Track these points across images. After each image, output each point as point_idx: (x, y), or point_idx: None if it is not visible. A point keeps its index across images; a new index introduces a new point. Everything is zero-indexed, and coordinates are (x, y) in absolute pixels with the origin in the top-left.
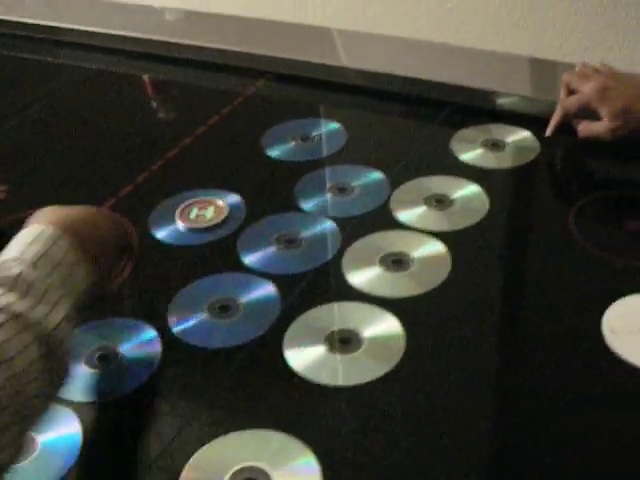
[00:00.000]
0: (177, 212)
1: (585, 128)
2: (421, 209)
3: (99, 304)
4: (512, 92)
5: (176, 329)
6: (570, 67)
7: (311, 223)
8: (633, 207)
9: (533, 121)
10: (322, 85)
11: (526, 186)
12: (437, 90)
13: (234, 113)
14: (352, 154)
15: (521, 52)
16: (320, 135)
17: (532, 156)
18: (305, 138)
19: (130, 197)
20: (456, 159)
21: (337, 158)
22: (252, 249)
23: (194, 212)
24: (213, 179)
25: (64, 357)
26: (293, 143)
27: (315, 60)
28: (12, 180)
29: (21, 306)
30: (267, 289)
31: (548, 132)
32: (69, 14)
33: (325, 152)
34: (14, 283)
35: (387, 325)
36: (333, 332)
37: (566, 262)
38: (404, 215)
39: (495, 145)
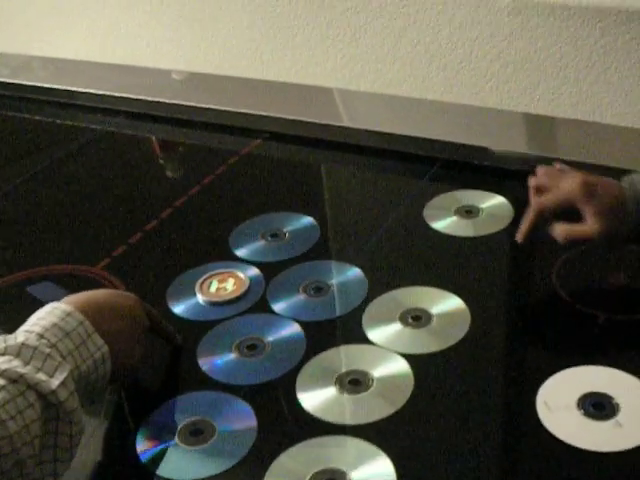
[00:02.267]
0: (197, 285)
1: (569, 231)
2: None
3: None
4: (505, 147)
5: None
6: (563, 122)
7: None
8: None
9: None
10: (319, 143)
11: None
12: (428, 147)
13: (235, 170)
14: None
15: (514, 107)
16: None
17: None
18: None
19: (124, 257)
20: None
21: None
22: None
23: (214, 285)
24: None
25: (69, 422)
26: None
27: (311, 119)
28: (12, 241)
29: (23, 370)
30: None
31: (519, 238)
32: (76, 77)
33: None
34: (19, 350)
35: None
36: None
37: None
38: None
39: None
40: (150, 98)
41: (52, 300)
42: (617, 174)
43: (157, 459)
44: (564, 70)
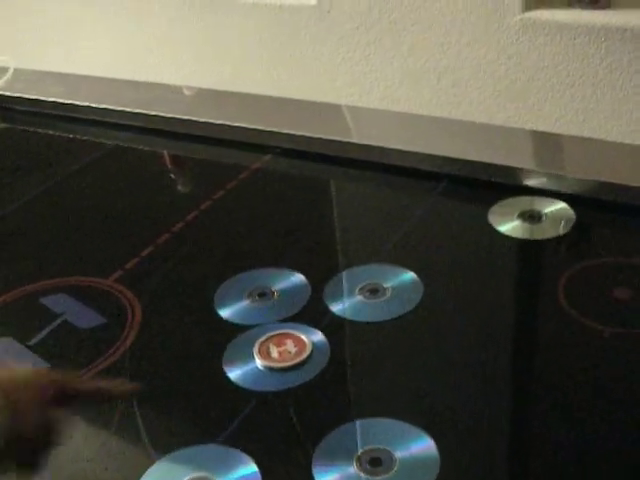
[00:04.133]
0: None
1: None
2: None
3: None
4: (512, 164)
5: None
6: (569, 139)
7: None
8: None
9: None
10: (328, 159)
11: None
12: (431, 162)
13: (246, 184)
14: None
15: (520, 124)
16: None
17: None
18: None
19: (136, 270)
20: None
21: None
22: None
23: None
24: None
25: None
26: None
27: (322, 135)
28: (27, 254)
29: None
30: None
31: None
32: (88, 92)
33: None
34: None
35: None
36: None
37: None
38: None
39: None
40: (162, 114)
41: (65, 312)
42: (622, 190)
43: None
44: (570, 88)
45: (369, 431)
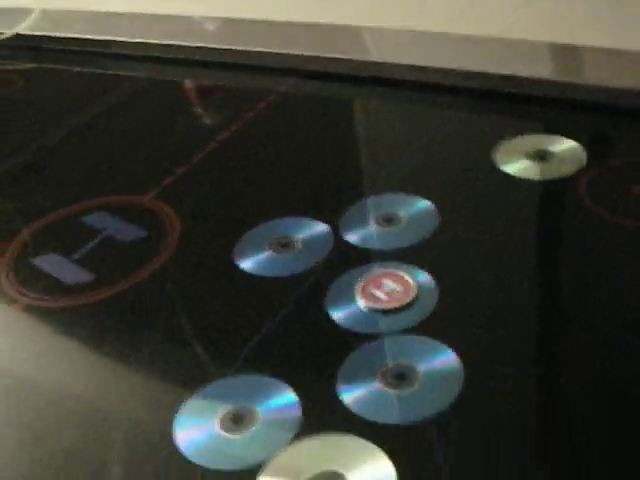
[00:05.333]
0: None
1: None
2: None
3: None
4: (533, 75)
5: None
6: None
7: None
8: None
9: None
10: (350, 79)
11: None
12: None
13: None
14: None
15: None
16: None
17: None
18: None
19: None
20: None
21: None
22: None
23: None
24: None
25: None
26: None
27: (345, 56)
28: (66, 179)
29: None
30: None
31: None
32: (114, 27)
33: None
34: None
35: None
36: None
37: None
38: None
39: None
40: (188, 44)
41: (106, 228)
42: None
43: None
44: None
45: (392, 347)
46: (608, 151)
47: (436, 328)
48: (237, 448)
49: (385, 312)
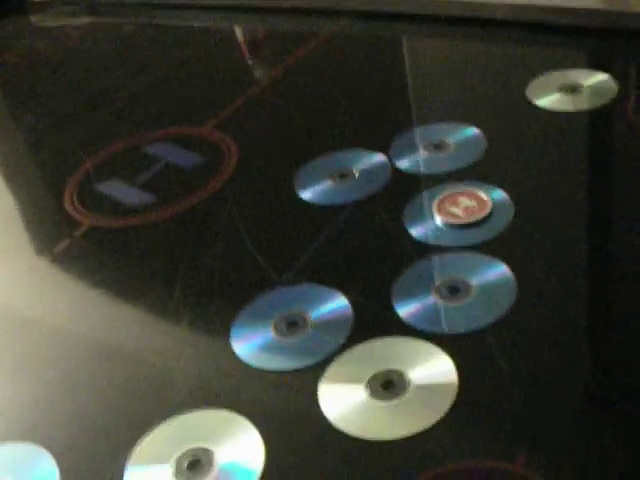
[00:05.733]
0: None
1: None
2: None
3: None
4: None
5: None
6: None
7: None
8: None
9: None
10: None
11: None
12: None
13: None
14: None
15: None
16: None
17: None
18: None
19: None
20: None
21: None
22: None
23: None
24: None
25: None
26: None
27: None
28: (131, 109)
29: None
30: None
31: None
32: None
33: None
34: None
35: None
36: None
37: None
38: None
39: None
40: None
41: (167, 156)
42: None
43: None
44: None
45: (445, 263)
46: None
47: (504, 244)
48: (292, 351)
49: (461, 227)
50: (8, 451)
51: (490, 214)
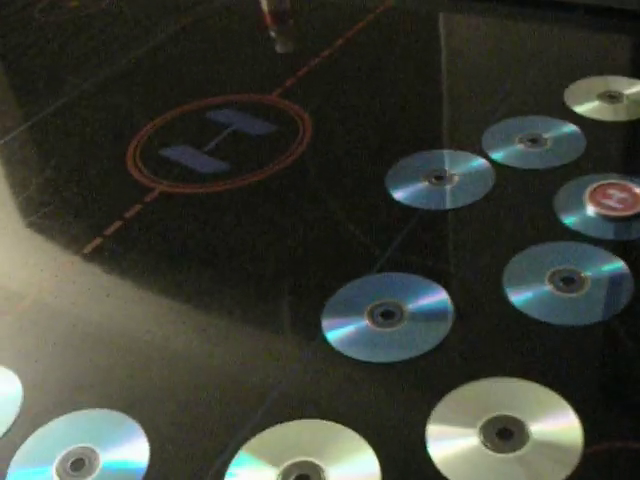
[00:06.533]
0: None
1: None
2: None
3: None
4: None
5: None
6: None
7: None
8: None
9: None
10: None
11: None
12: None
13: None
14: None
15: None
16: None
17: None
18: None
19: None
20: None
21: None
22: None
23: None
24: None
25: None
26: None
27: None
28: (192, 74)
29: None
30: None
31: None
32: None
33: None
34: None
35: None
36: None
37: None
38: None
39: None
40: None
41: (233, 122)
42: None
43: None
44: None
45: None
46: None
47: None
48: (387, 342)
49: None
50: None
51: None
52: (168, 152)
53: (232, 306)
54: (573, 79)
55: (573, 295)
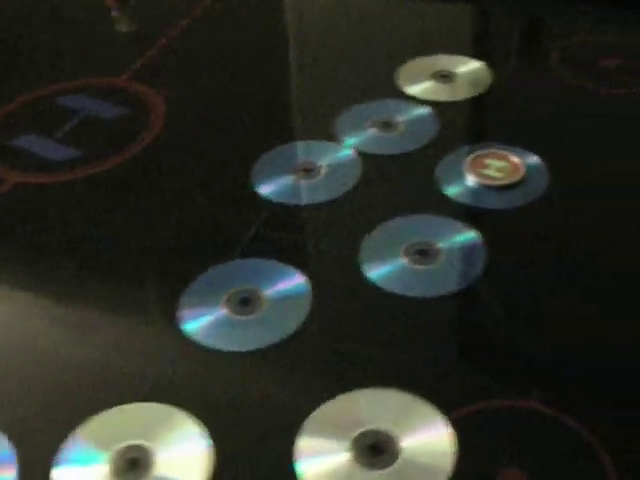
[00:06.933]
0: (467, 163)
1: None
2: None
3: None
4: None
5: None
6: None
7: None
8: None
9: None
10: None
11: None
12: None
13: None
14: None
15: None
16: None
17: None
18: None
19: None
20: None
21: None
22: None
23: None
24: None
25: None
26: None
27: None
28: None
29: None
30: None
31: None
32: None
33: None
34: None
35: None
36: None
37: None
38: None
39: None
40: None
41: (85, 107)
42: None
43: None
44: None
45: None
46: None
47: None
48: (245, 330)
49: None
50: None
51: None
52: (18, 141)
53: (97, 297)
54: (403, 60)
55: (430, 267)
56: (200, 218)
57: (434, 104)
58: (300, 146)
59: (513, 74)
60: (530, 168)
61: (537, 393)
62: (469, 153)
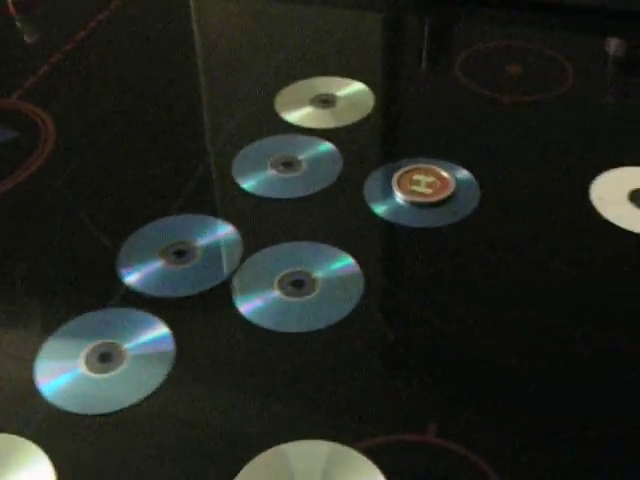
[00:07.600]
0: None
1: None
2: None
3: None
4: None
5: None
6: None
7: None
8: None
9: None
10: None
11: None
12: None
13: None
14: None
15: None
16: None
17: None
18: None
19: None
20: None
21: None
22: None
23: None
24: None
25: None
26: None
27: None
28: None
29: None
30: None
31: None
32: None
33: None
34: None
35: None
36: None
37: None
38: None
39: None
40: None
41: None
42: None
43: None
44: None
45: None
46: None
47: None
48: (106, 388)
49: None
50: None
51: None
52: None
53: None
54: (281, 86)
55: (306, 298)
56: (89, 248)
57: (318, 131)
58: None
59: (418, 84)
60: (460, 181)
61: (431, 426)
62: (393, 171)
